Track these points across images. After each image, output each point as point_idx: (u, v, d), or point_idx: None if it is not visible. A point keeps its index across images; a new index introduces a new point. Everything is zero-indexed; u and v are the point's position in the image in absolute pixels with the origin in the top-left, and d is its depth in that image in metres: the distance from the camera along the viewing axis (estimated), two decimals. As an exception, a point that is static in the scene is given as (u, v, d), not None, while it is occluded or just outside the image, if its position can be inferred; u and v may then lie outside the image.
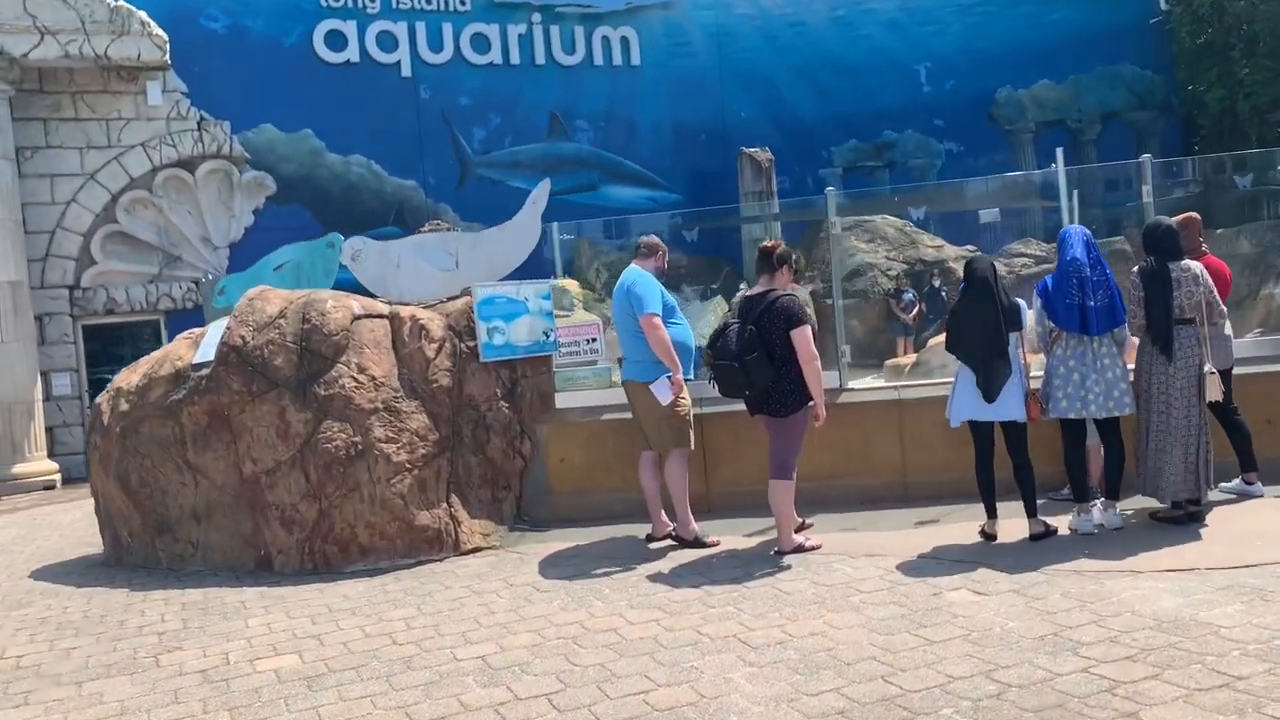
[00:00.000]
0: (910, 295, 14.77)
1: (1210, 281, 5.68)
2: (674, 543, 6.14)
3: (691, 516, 6.13)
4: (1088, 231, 5.80)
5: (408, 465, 6.44)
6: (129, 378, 7.23)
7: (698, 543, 6.04)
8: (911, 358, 10.53)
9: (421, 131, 17.42)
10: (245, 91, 15.91)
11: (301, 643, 4.88)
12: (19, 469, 13.36)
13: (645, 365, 6.04)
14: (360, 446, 6.35)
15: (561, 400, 7.27)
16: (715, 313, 12.93)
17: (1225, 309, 5.79)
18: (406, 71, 17.34)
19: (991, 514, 5.66)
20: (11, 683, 4.71)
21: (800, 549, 5.69)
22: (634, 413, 6.26)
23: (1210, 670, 3.58)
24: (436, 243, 9.00)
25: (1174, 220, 5.95)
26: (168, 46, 14.89)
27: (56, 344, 14.75)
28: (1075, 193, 9.24)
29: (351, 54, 16.97)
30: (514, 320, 7.07)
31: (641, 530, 6.42)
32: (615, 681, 3.99)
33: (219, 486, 6.61)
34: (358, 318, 6.83)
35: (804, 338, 5.54)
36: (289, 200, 16.31)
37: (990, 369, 5.48)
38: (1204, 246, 6.37)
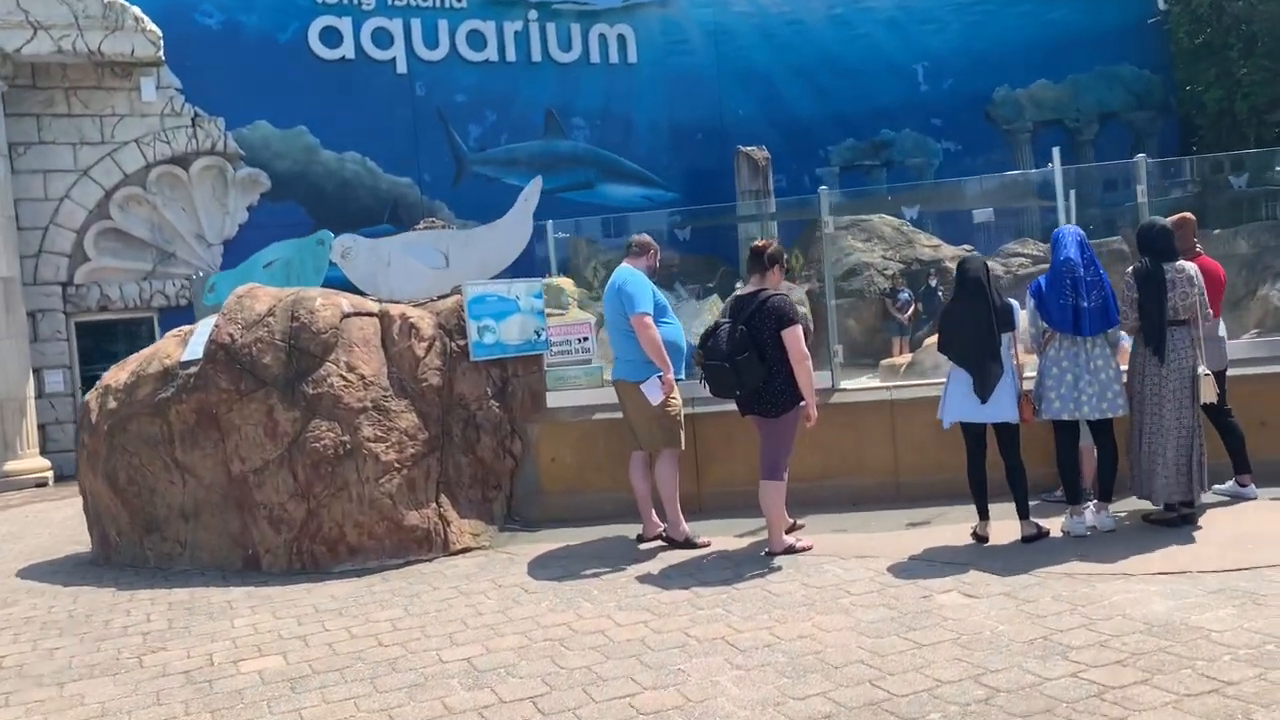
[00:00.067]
0: (906, 295, 14.75)
1: (1202, 282, 5.64)
2: (664, 543, 6.10)
3: (682, 517, 6.09)
4: (1081, 232, 5.77)
5: (396, 465, 6.39)
6: (117, 375, 7.18)
7: (688, 543, 6.00)
8: (907, 357, 10.51)
9: (417, 129, 17.37)
10: (240, 88, 15.84)
11: (287, 644, 4.85)
12: (11, 466, 13.30)
13: (636, 365, 6.00)
14: (349, 446, 6.31)
15: (553, 399, 7.23)
16: (711, 312, 12.88)
17: (1211, 311, 5.76)
18: (402, 68, 17.29)
19: (983, 515, 5.62)
20: (-7, 683, 4.68)
21: (791, 550, 5.65)
22: (625, 412, 6.22)
23: (1200, 675, 3.55)
24: (427, 241, 8.94)
25: (1168, 221, 5.91)
26: (162, 42, 14.82)
27: (49, 341, 14.69)
28: (1072, 193, 9.22)
29: (347, 50, 16.92)
30: (505, 319, 7.03)
31: (632, 530, 6.38)
32: (601, 684, 3.96)
33: (207, 485, 6.57)
34: (347, 316, 6.78)
35: (795, 338, 5.50)
36: (284, 197, 16.26)
37: (983, 370, 5.45)
38: (1198, 247, 6.33)
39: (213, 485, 6.55)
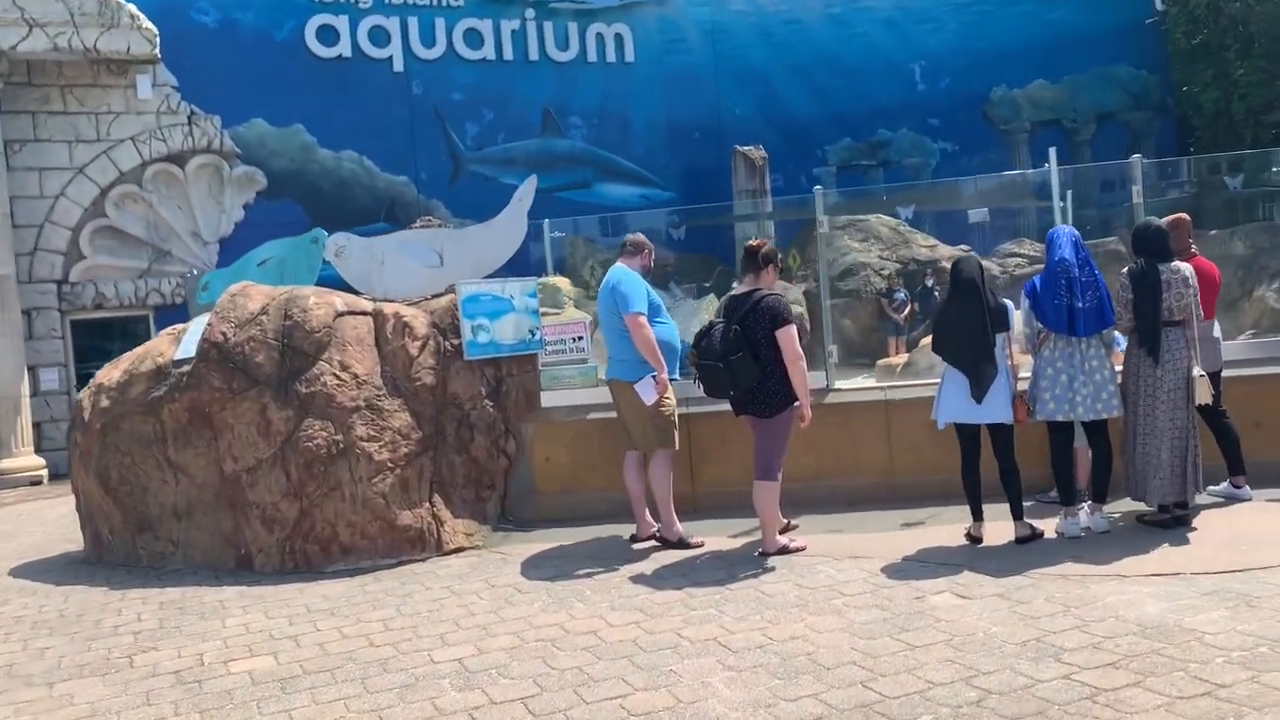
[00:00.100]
0: (902, 295, 14.73)
1: (1196, 283, 5.64)
2: (658, 544, 6.08)
3: (676, 517, 6.07)
4: (1076, 232, 5.76)
5: (390, 464, 6.38)
6: (110, 374, 7.16)
7: (682, 544, 5.99)
8: (903, 357, 10.49)
9: (414, 127, 17.33)
10: (236, 86, 15.79)
11: (278, 644, 4.83)
12: (5, 464, 13.27)
13: (630, 364, 5.98)
14: (342, 445, 6.29)
15: (547, 399, 7.21)
16: (707, 311, 12.87)
17: (1203, 312, 5.75)
18: (399, 67, 17.24)
19: (978, 516, 5.61)
20: (-18, 683, 4.65)
21: (785, 550, 5.64)
22: (619, 412, 6.21)
23: (1193, 678, 3.54)
24: (421, 239, 8.93)
25: (1163, 221, 5.90)
26: (158, 40, 14.77)
27: (44, 339, 14.65)
28: (1069, 193, 9.20)
29: (343, 49, 16.87)
30: (499, 318, 7.01)
31: (626, 530, 6.36)
32: (593, 685, 3.94)
33: (199, 484, 6.54)
34: (340, 315, 6.76)
35: (789, 337, 5.49)
36: (280, 196, 16.22)
37: (978, 371, 5.44)
38: (1193, 248, 6.32)
39: (205, 484, 6.53)
